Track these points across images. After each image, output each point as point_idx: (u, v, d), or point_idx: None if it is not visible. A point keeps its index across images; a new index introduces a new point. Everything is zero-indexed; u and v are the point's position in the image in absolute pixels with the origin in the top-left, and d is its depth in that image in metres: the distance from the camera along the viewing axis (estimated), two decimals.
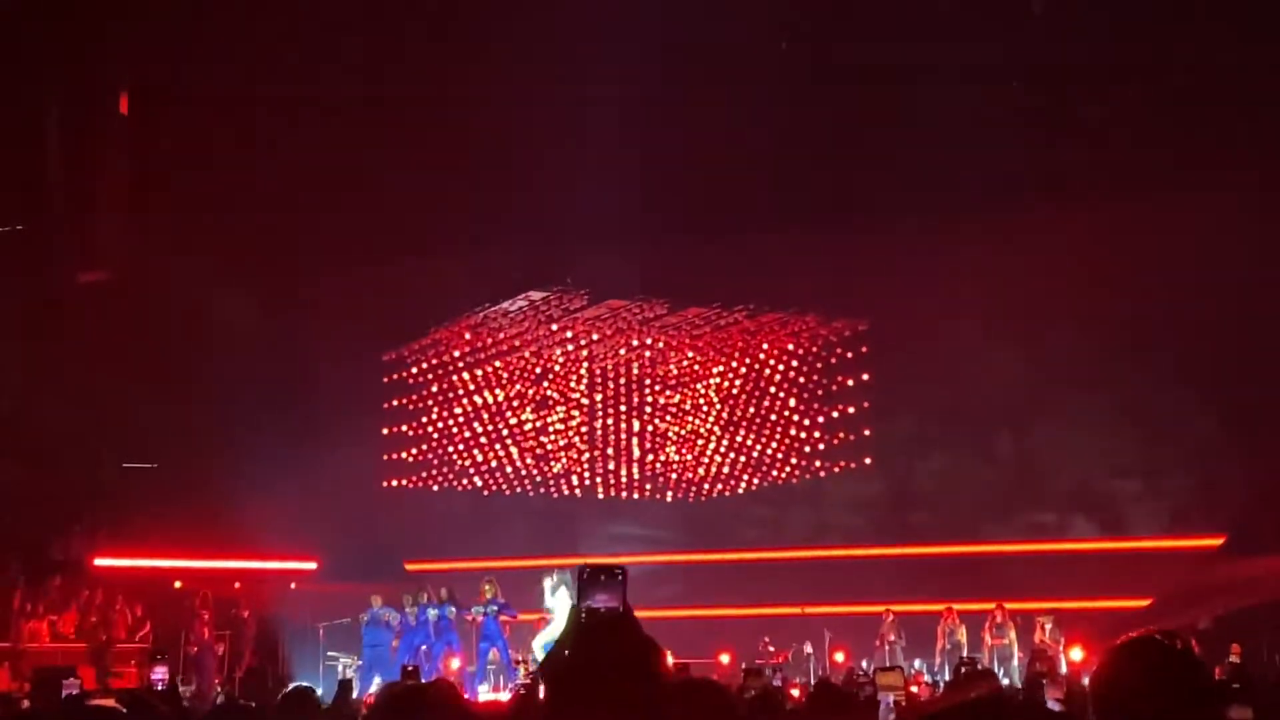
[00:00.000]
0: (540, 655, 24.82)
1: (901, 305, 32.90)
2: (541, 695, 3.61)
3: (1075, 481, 34.03)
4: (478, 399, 36.46)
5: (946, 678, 26.49)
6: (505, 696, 23.73)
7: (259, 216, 30.94)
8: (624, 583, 3.63)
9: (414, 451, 36.14)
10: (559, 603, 25.25)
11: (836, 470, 35.82)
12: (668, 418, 37.17)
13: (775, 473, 36.68)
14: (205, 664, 27.78)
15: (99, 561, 31.25)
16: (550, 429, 36.87)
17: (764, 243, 31.38)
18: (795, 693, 19.05)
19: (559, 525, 35.53)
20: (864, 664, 28.75)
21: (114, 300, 30.33)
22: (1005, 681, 24.75)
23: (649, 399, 37.08)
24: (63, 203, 29.75)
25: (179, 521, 30.07)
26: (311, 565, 33.22)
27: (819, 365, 35.90)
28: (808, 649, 29.38)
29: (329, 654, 28.71)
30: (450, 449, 36.46)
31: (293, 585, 32.61)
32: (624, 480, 36.87)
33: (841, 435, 35.62)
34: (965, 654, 27.00)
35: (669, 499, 36.73)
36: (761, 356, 36.49)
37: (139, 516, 30.15)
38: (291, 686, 9.54)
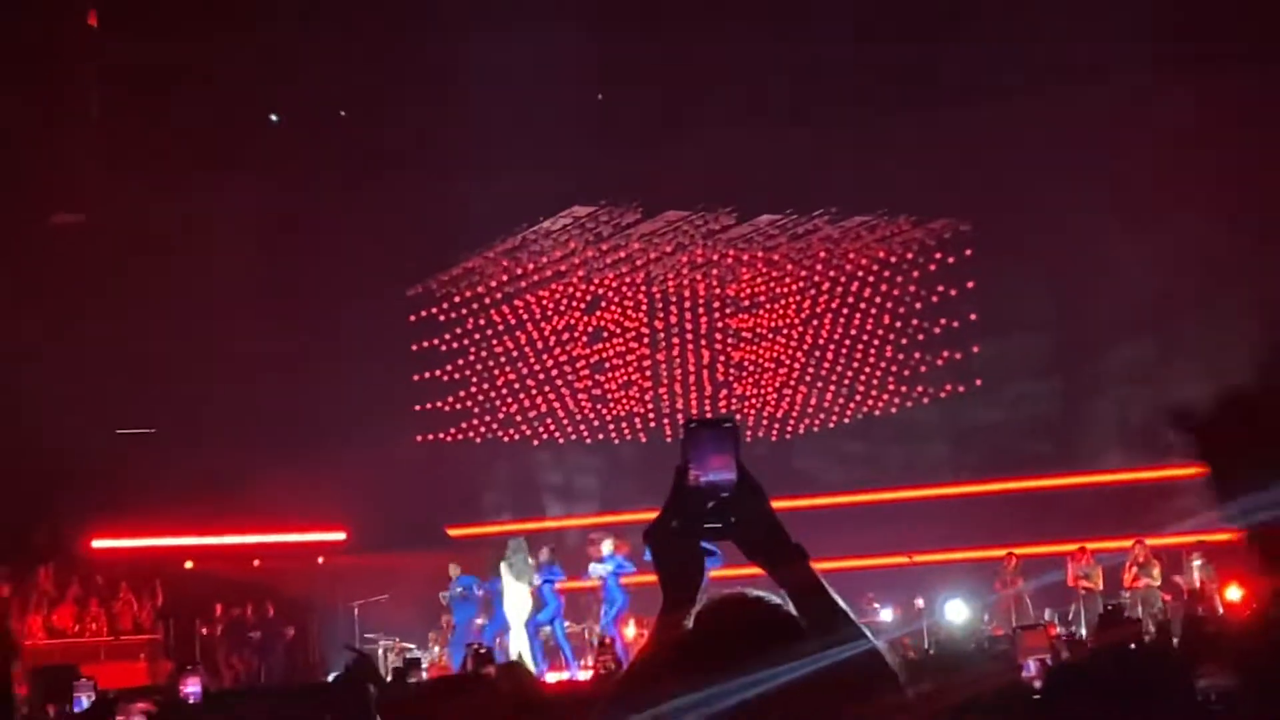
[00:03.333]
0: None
1: (1010, 199, 32.37)
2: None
3: (1219, 393, 33.47)
4: (520, 335, 36.25)
5: (1083, 628, 26.24)
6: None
7: (259, 132, 30.80)
8: (736, 437, 3.42)
9: (450, 400, 36.00)
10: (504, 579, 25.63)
11: (941, 396, 35.53)
12: (742, 345, 36.89)
13: (870, 403, 36.40)
14: (275, 649, 27.96)
15: (96, 544, 31.36)
16: (607, 365, 36.67)
17: (845, 133, 30.99)
18: (910, 655, 18.78)
19: (621, 476, 35.33)
20: (985, 617, 28.58)
21: (93, 242, 30.27)
22: (1153, 629, 24.38)
23: (719, 324, 36.80)
24: (32, 142, 29.71)
25: (185, 494, 30.04)
26: (340, 536, 33.24)
27: (916, 275, 35.52)
28: (919, 602, 29.18)
29: (366, 636, 28.74)
30: (492, 395, 36.32)
31: (320, 560, 32.70)
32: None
33: (945, 355, 35.29)
34: (1103, 600, 26.68)
35: (748, 437, 36.51)
36: (848, 268, 36.10)
37: (138, 490, 30.15)
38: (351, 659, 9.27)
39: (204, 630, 29.85)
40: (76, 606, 30.00)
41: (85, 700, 15.35)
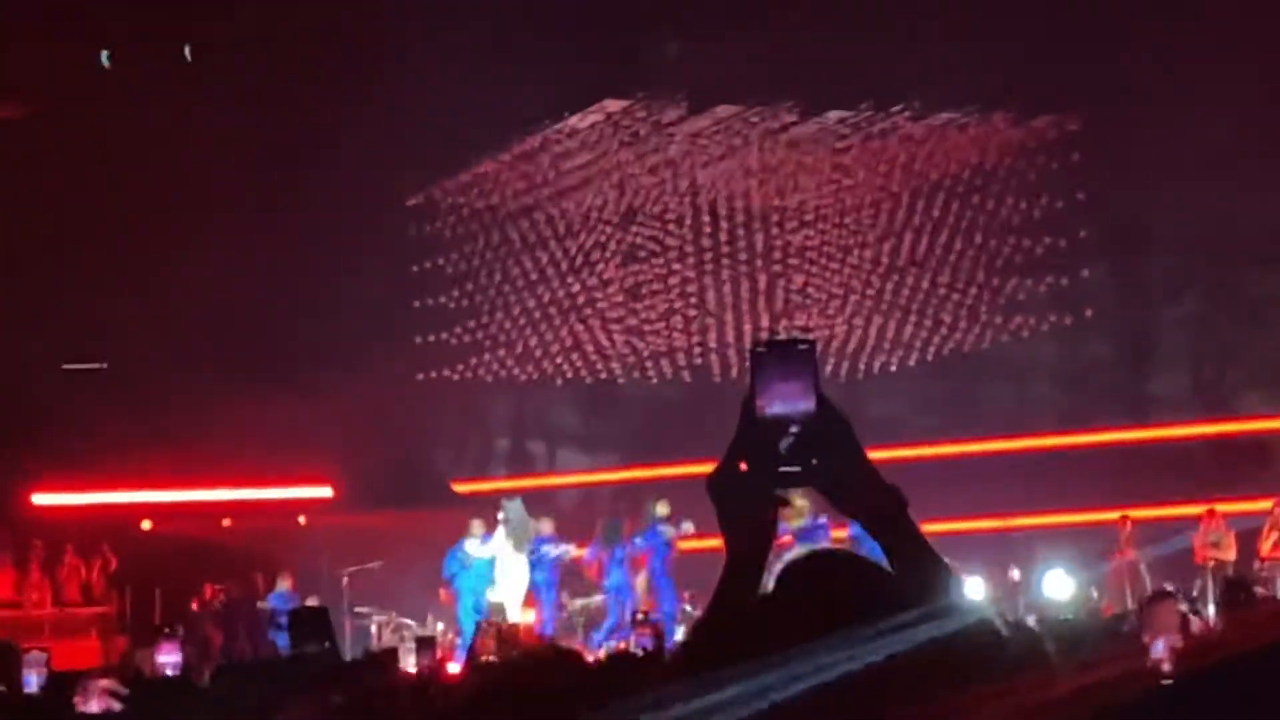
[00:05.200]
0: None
1: (1127, 93, 32.20)
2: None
3: None
4: (540, 254, 36.18)
5: (1211, 606, 26.13)
6: None
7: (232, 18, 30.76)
8: (814, 360, 3.30)
9: (458, 331, 35.99)
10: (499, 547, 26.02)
11: (1044, 329, 35.39)
12: (805, 266, 36.75)
13: (959, 336, 36.26)
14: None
15: (37, 499, 31.53)
16: (643, 290, 36.59)
17: (929, 10, 30.81)
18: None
19: (660, 422, 35.37)
20: (1093, 592, 28.59)
21: (29, 132, 30.26)
22: None
23: (778, 242, 36.66)
24: None
25: (141, 440, 30.16)
26: (325, 491, 33.38)
27: (1014, 183, 35.31)
28: (1014, 574, 29.21)
29: (356, 609, 28.88)
30: (507, 325, 36.29)
31: (301, 519, 32.84)
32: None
33: (1050, 280, 35.14)
34: (1231, 571, 26.59)
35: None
36: (933, 175, 35.90)
37: (86, 435, 30.25)
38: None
39: (195, 604, 29.83)
40: (15, 573, 30.19)
41: (35, 679, 15.10)
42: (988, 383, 35.55)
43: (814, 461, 3.24)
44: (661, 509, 26.68)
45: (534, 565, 27.10)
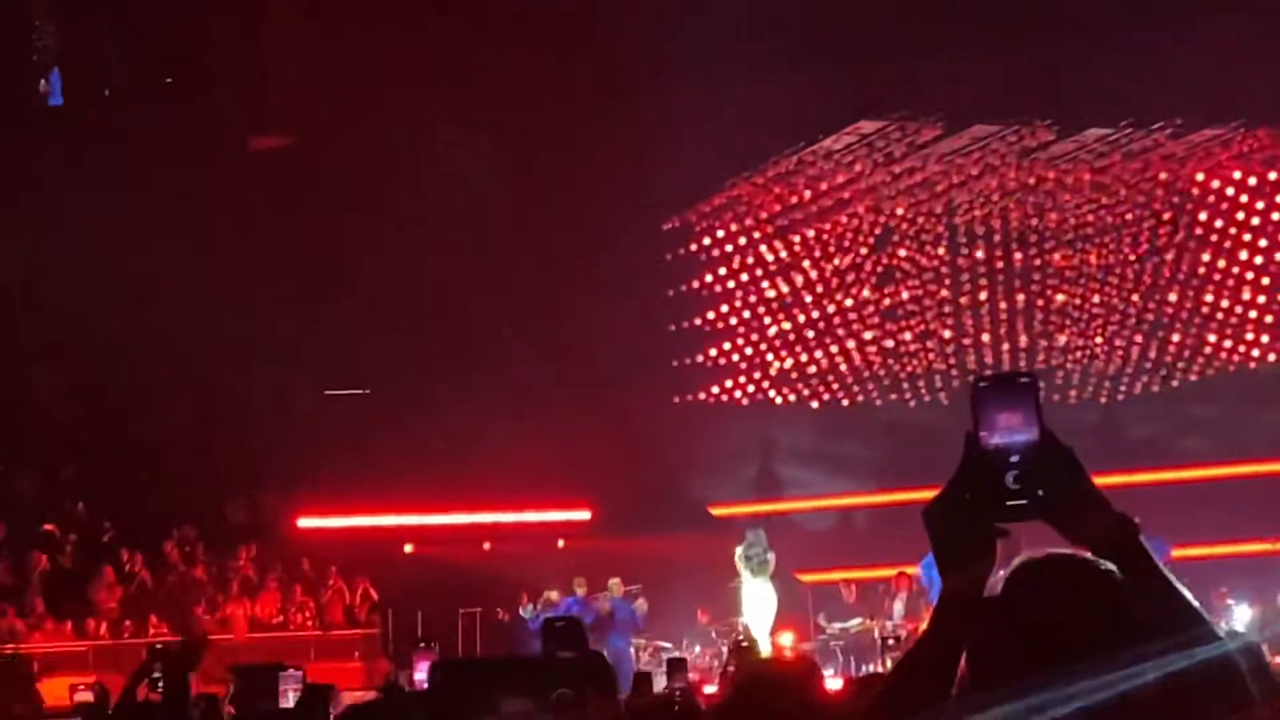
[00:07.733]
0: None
1: None
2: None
3: None
4: (796, 276, 36.20)
5: None
6: None
7: (492, 48, 31.10)
8: (1035, 393, 3.34)
9: (713, 353, 36.10)
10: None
11: None
12: (1065, 286, 36.37)
13: (1224, 356, 35.70)
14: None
15: (302, 523, 32.13)
16: (899, 312, 36.44)
17: (1192, 30, 30.37)
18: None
19: (917, 445, 35.09)
20: None
21: (300, 175, 30.77)
22: None
23: (1036, 262, 36.33)
24: (233, 63, 30.49)
25: (403, 465, 30.56)
26: (584, 515, 33.61)
27: None
28: None
29: None
30: (762, 347, 36.33)
31: (560, 543, 33.06)
32: None
33: None
34: None
35: (1072, 399, 36.00)
36: (1196, 192, 35.37)
37: (350, 461, 30.70)
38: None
39: (504, 616, 29.89)
40: (280, 594, 30.56)
41: (293, 695, 15.31)
42: (1255, 404, 34.89)
43: (1040, 493, 3.26)
44: None
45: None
